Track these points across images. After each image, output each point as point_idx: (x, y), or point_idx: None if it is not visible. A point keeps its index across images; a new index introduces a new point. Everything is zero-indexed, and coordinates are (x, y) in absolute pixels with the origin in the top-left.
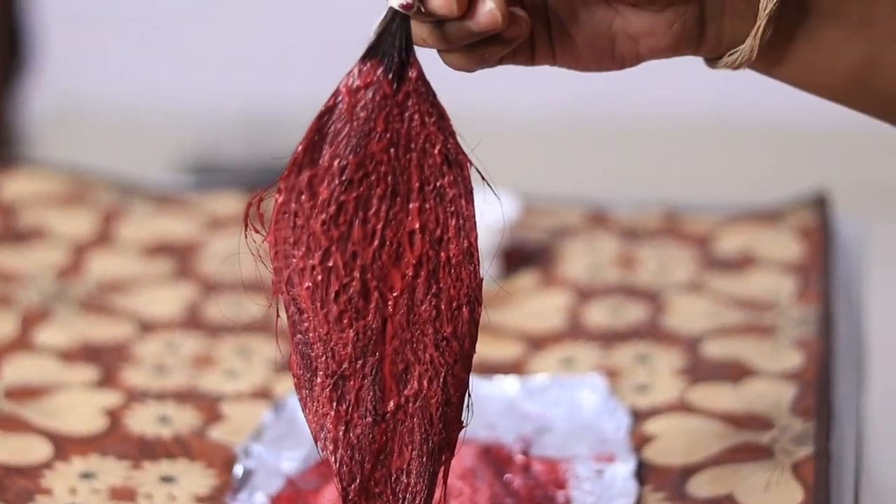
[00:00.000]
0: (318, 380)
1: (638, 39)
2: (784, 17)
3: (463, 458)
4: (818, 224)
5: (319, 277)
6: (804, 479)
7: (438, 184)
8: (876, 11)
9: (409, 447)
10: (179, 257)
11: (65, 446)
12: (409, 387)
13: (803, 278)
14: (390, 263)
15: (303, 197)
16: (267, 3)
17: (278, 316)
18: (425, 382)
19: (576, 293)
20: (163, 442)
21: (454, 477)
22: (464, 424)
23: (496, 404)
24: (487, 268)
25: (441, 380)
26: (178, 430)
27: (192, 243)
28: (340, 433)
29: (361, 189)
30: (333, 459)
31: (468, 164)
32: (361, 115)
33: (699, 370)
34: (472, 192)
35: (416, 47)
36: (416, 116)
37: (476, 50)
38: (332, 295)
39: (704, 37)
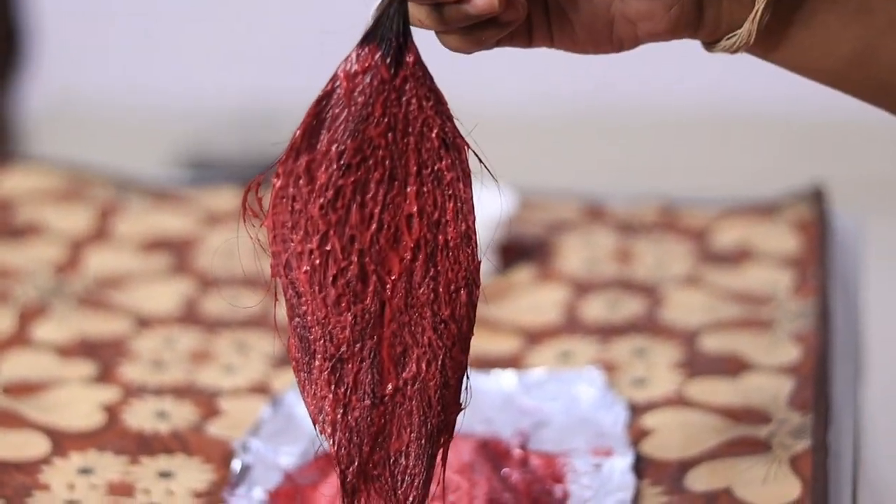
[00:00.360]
0: (317, 363)
1: (636, 23)
2: (782, 1)
3: (461, 452)
4: (815, 218)
5: (318, 261)
6: (802, 472)
7: (436, 167)
8: None
9: (408, 430)
10: (176, 253)
11: (63, 442)
12: (407, 370)
13: (800, 272)
14: (388, 247)
15: (301, 181)
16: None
17: (276, 299)
18: (423, 365)
19: (573, 287)
20: (161, 437)
21: (452, 471)
22: (462, 407)
23: (494, 398)
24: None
25: (439, 362)
26: (176, 426)
27: (189, 238)
28: (339, 416)
29: (359, 173)
30: (332, 442)
31: (466, 148)
32: (359, 99)
33: (697, 364)
34: (469, 176)
35: (413, 30)
36: (414, 100)
37: (473, 32)
38: (331, 279)
39: (702, 21)
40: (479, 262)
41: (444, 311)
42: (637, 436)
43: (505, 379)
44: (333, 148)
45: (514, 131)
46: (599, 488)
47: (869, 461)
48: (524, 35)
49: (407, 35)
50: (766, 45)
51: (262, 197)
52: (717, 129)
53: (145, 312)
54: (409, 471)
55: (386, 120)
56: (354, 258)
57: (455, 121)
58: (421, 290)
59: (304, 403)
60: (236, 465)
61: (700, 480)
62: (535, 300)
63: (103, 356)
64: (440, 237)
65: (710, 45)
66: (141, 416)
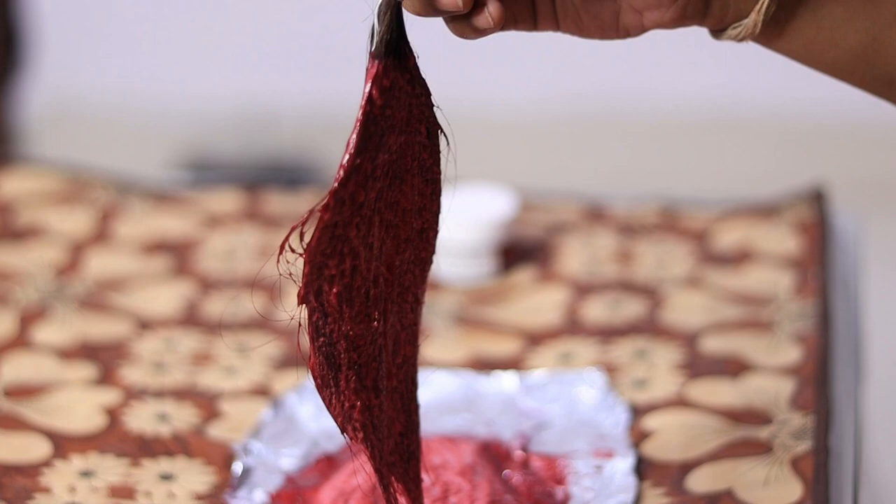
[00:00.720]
0: (343, 374)
1: (642, 12)
2: None
3: (462, 454)
4: (816, 219)
5: (347, 280)
6: (803, 473)
7: (421, 157)
8: None
9: (402, 410)
10: (177, 255)
11: (64, 444)
12: (399, 355)
13: (801, 273)
14: (391, 245)
15: (345, 206)
16: (262, 2)
17: (300, 325)
18: (409, 347)
19: (574, 289)
20: (162, 440)
21: (453, 473)
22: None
23: (495, 401)
24: (485, 262)
25: (417, 340)
26: (177, 428)
27: (190, 241)
28: (366, 418)
29: (380, 183)
30: (365, 445)
31: (440, 132)
32: (387, 112)
33: (698, 365)
34: (440, 156)
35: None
36: (414, 100)
37: (455, 24)
38: (355, 292)
39: (709, 10)
40: (437, 234)
41: (419, 290)
42: (638, 437)
43: (506, 381)
44: (370, 166)
45: (515, 133)
46: (601, 490)
47: (870, 462)
48: (529, 19)
49: (406, 36)
50: (772, 35)
51: (305, 232)
52: (718, 131)
53: (146, 315)
54: (409, 447)
55: (398, 125)
56: (372, 265)
57: (434, 108)
58: (407, 277)
59: (332, 417)
60: (237, 467)
61: (701, 482)
62: (536, 302)
63: (104, 358)
64: (420, 222)
65: (716, 33)
66: (142, 419)
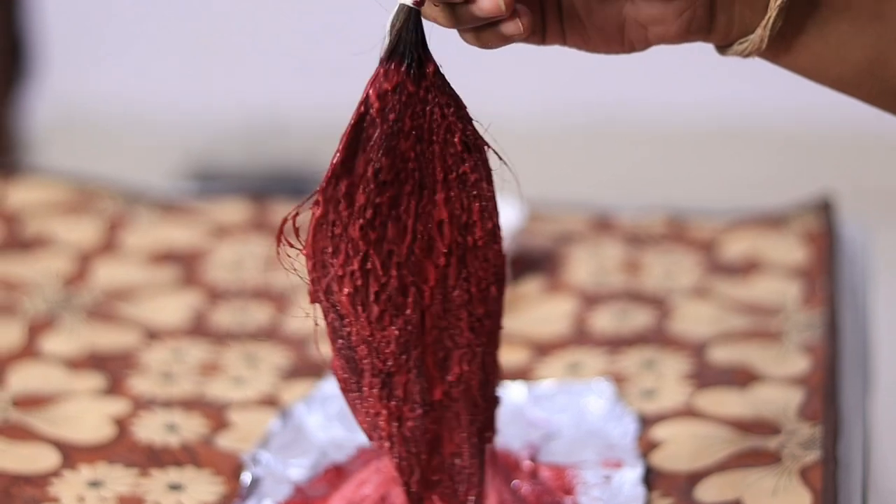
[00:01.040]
0: (366, 380)
1: (647, 26)
2: (795, 8)
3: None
4: (823, 229)
5: (360, 282)
6: (812, 483)
7: (460, 170)
8: (887, 6)
9: (458, 431)
10: (185, 265)
11: (72, 454)
12: (450, 373)
13: (809, 283)
14: (423, 256)
15: (340, 206)
16: (269, 11)
17: (316, 325)
18: (465, 365)
19: (581, 299)
20: (170, 450)
21: None
22: (501, 400)
23: (503, 411)
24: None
25: (479, 360)
26: (186, 438)
27: (198, 251)
28: (394, 429)
29: (393, 188)
30: (392, 456)
31: (486, 148)
32: (390, 116)
33: (706, 375)
34: (491, 174)
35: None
36: (437, 109)
37: (481, 34)
38: (373, 296)
39: (714, 25)
40: (506, 256)
41: (478, 310)
42: (647, 447)
43: (514, 391)
44: (370, 168)
45: (522, 143)
46: (609, 500)
47: (878, 472)
48: (538, 33)
49: (425, 45)
50: (778, 50)
51: (299, 227)
52: (725, 140)
53: (154, 325)
54: (465, 470)
55: (414, 132)
56: (393, 272)
57: (475, 122)
58: (455, 293)
59: (357, 422)
60: (246, 477)
61: (710, 492)
62: (544, 312)
63: (112, 369)
64: (469, 238)
65: (722, 48)
66: (150, 429)
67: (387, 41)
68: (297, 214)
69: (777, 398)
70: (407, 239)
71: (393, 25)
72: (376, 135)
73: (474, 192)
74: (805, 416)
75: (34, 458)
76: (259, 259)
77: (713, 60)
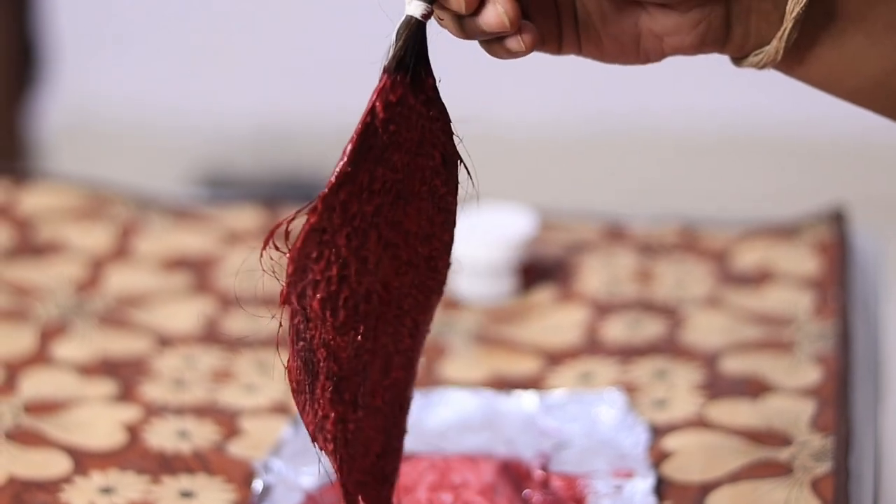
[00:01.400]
0: (319, 383)
1: (663, 38)
2: (810, 19)
3: (482, 473)
4: (835, 239)
5: (334, 287)
6: (823, 495)
7: (433, 183)
8: None
9: (383, 432)
10: (197, 272)
11: (84, 461)
12: (388, 377)
13: (821, 293)
14: (388, 264)
15: (335, 213)
16: (279, 18)
17: (280, 325)
18: (400, 371)
19: (593, 308)
20: (182, 457)
21: (474, 493)
22: (411, 402)
23: (515, 420)
24: (505, 281)
25: (410, 365)
26: (198, 445)
27: (210, 258)
28: (339, 431)
29: (380, 197)
30: (334, 458)
31: (458, 162)
32: (391, 128)
33: (717, 386)
34: (457, 188)
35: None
36: (427, 122)
37: (489, 46)
38: (342, 301)
39: (730, 37)
40: (451, 264)
41: (420, 317)
42: (658, 458)
43: (526, 400)
44: (366, 177)
45: (535, 152)
46: None
47: (890, 483)
48: (554, 42)
49: (427, 59)
50: (793, 62)
51: (291, 231)
52: (738, 151)
53: (166, 331)
54: (385, 470)
55: (405, 144)
56: (364, 279)
57: (454, 136)
58: (406, 301)
59: (304, 423)
60: (258, 485)
61: (721, 503)
62: (556, 321)
63: (124, 375)
64: (427, 249)
65: (737, 60)
66: (162, 436)
67: (392, 52)
68: (292, 219)
69: (789, 409)
70: (379, 247)
71: (399, 36)
72: (377, 145)
73: (440, 206)
74: (817, 428)
75: (46, 464)
76: (266, 269)
77: (726, 70)
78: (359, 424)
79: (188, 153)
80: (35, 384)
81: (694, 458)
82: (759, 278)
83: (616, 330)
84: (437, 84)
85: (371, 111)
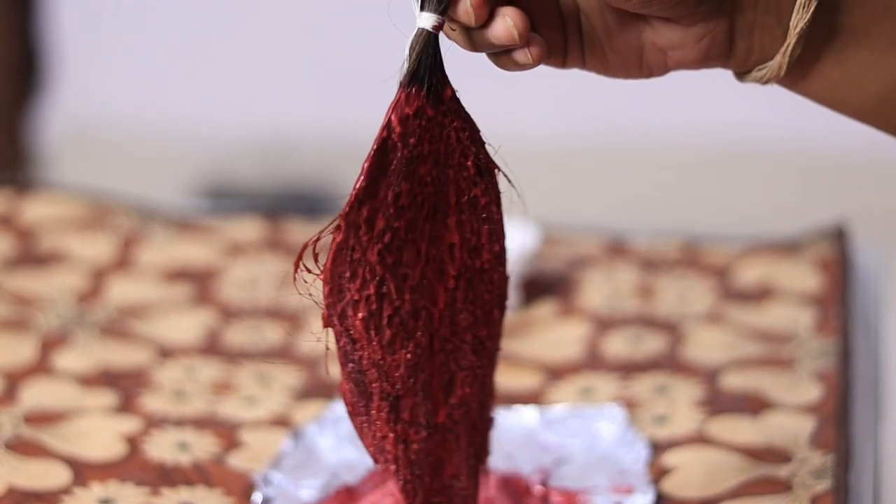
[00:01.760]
0: (374, 403)
1: (666, 52)
2: (814, 35)
3: (482, 488)
4: (837, 256)
5: (374, 306)
6: None
7: (472, 194)
8: None
9: (457, 452)
10: (198, 283)
11: (84, 472)
12: (453, 395)
13: (822, 310)
14: (434, 279)
15: (361, 231)
16: (283, 28)
17: (327, 348)
18: (467, 388)
19: (595, 323)
20: (182, 469)
21: None
22: (495, 421)
23: (515, 434)
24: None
25: (480, 382)
26: (197, 457)
27: (212, 269)
28: (400, 452)
29: (411, 213)
30: (397, 478)
31: (496, 171)
32: (411, 141)
33: (718, 402)
34: (500, 197)
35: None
36: (453, 133)
37: (498, 58)
38: (386, 320)
39: (733, 51)
40: (509, 279)
41: (481, 332)
42: (658, 474)
43: (526, 415)
44: (390, 193)
45: (537, 166)
46: None
47: (889, 501)
48: (559, 55)
49: (443, 70)
50: (797, 77)
51: (319, 253)
52: (740, 166)
53: (167, 342)
54: (463, 492)
55: (431, 157)
56: (407, 296)
57: (487, 146)
58: (462, 316)
59: (364, 445)
60: (257, 497)
61: None
62: (557, 336)
63: (125, 386)
64: (477, 262)
65: (740, 75)
66: (162, 447)
67: (406, 65)
68: (317, 239)
69: (789, 426)
70: (420, 262)
71: (412, 49)
72: (397, 159)
73: (484, 216)
74: (816, 445)
75: (45, 475)
76: (273, 278)
77: (728, 86)
78: (424, 445)
79: (191, 164)
80: (35, 395)
81: (694, 474)
82: (760, 295)
83: (617, 345)
84: (457, 94)
85: (387, 126)
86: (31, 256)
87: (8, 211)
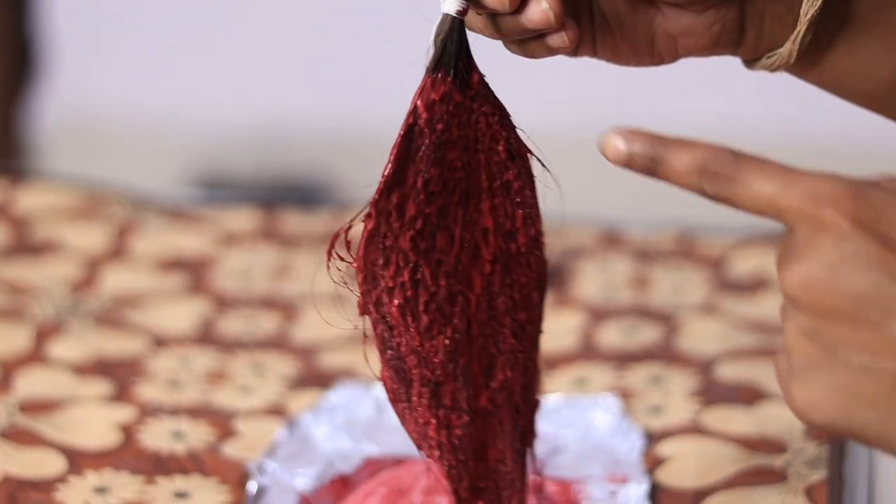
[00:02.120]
0: (415, 390)
1: (677, 38)
2: (823, 23)
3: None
4: None
5: (409, 293)
6: (817, 502)
7: (504, 178)
8: None
9: (501, 437)
10: (193, 272)
11: (78, 460)
12: (494, 379)
13: None
14: (469, 264)
15: (392, 217)
16: (279, 18)
17: (365, 336)
18: (509, 371)
19: (589, 314)
20: (176, 457)
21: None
22: (540, 405)
23: None
24: None
25: (521, 366)
26: (192, 446)
27: (206, 259)
28: (443, 437)
29: (442, 198)
30: (442, 464)
31: (529, 155)
32: (438, 126)
33: (713, 392)
34: (534, 181)
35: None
36: (482, 118)
37: (526, 45)
38: (422, 306)
39: (743, 39)
40: (547, 262)
41: (521, 316)
42: (653, 464)
43: None
44: (419, 179)
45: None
46: None
47: (883, 491)
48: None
49: (470, 55)
50: (806, 65)
51: (350, 241)
52: None
53: (161, 332)
54: (508, 476)
55: (461, 142)
56: (442, 281)
57: (518, 130)
58: (500, 300)
59: (407, 432)
60: (252, 486)
61: None
62: (551, 326)
63: (119, 375)
64: (512, 245)
65: (750, 63)
66: (157, 436)
67: (432, 51)
68: (349, 228)
69: (783, 416)
70: (454, 248)
71: (437, 35)
72: (425, 145)
73: (518, 200)
74: (811, 435)
75: (40, 464)
76: (267, 268)
77: (726, 76)
78: (466, 429)
79: (185, 154)
80: (30, 383)
81: (688, 464)
82: (754, 286)
83: (612, 336)
84: (485, 79)
85: (413, 112)
86: (26, 246)
87: (2, 200)
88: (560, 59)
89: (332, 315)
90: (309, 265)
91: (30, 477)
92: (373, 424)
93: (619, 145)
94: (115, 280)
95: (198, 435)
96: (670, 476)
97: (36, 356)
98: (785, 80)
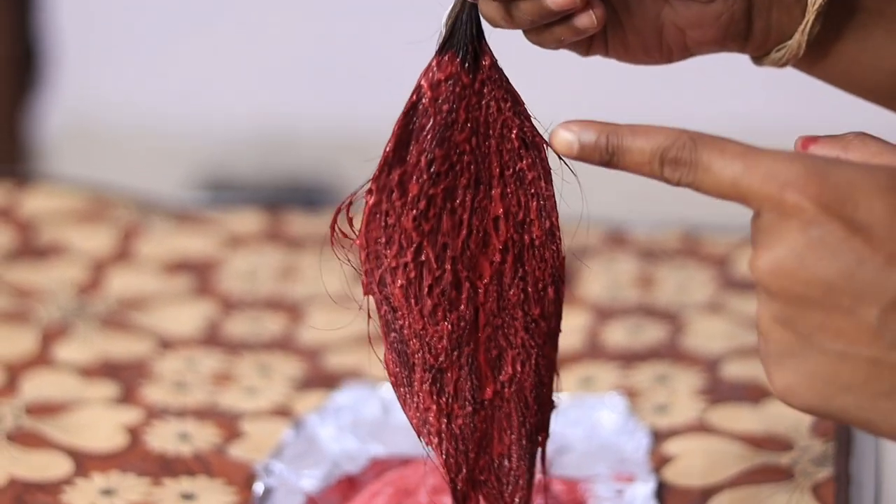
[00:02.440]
0: (417, 375)
1: (685, 31)
2: (830, 14)
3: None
4: None
5: (413, 274)
6: (824, 500)
7: (517, 167)
8: None
9: (508, 432)
10: (199, 274)
11: (85, 462)
12: (503, 372)
13: None
14: (478, 251)
15: (394, 195)
16: (282, 21)
17: (370, 317)
18: (518, 366)
19: (595, 313)
20: (183, 459)
21: None
22: (555, 404)
23: None
24: None
25: (533, 362)
26: (199, 448)
27: (212, 261)
28: (443, 425)
29: (448, 180)
30: (439, 452)
31: (545, 146)
32: (444, 107)
33: (719, 391)
34: (549, 173)
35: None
36: (493, 103)
37: (551, 31)
38: (426, 289)
39: (751, 31)
40: (564, 258)
41: (534, 310)
42: (659, 462)
43: None
44: (423, 158)
45: None
46: None
47: (890, 488)
48: (584, 42)
49: (482, 39)
50: (814, 58)
51: (353, 217)
52: None
53: (167, 334)
54: (513, 472)
55: (469, 125)
56: (448, 266)
57: (532, 119)
58: (511, 292)
59: (407, 417)
60: (258, 487)
61: None
62: None
63: (125, 377)
64: (526, 237)
65: (758, 58)
66: (163, 438)
67: (441, 33)
68: (350, 203)
69: (790, 414)
70: (462, 233)
71: (448, 18)
72: (429, 125)
73: (532, 191)
74: (817, 433)
75: (47, 466)
76: (273, 269)
77: (730, 74)
78: (469, 420)
79: (190, 156)
80: (36, 386)
81: (695, 462)
82: None
83: (617, 335)
84: (497, 64)
85: (416, 90)
86: (32, 249)
87: (8, 204)
88: (565, 57)
89: (338, 316)
90: (314, 266)
91: (36, 479)
92: (379, 425)
93: (569, 137)
94: (121, 282)
95: (204, 436)
96: (677, 474)
97: (42, 359)
98: (789, 79)
